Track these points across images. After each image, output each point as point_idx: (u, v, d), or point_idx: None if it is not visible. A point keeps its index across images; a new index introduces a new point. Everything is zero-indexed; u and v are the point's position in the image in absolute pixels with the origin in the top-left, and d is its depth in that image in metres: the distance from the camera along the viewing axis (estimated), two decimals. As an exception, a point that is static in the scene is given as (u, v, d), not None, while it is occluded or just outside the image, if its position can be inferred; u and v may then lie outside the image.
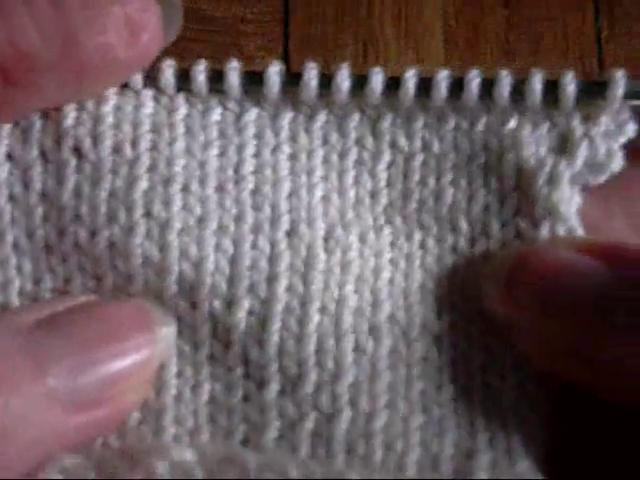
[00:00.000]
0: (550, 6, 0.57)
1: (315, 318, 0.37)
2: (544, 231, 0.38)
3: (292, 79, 0.39)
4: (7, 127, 0.38)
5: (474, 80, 0.38)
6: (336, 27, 0.56)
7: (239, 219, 0.38)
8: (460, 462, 0.35)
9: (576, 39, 0.56)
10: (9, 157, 0.39)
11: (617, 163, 0.37)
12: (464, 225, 0.37)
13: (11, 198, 0.38)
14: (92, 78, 0.37)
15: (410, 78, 0.38)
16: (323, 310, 0.37)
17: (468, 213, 0.37)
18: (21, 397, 0.33)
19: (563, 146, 0.38)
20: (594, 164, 0.38)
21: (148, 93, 0.40)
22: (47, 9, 0.35)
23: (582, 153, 0.38)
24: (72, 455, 0.34)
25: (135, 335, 0.36)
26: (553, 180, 0.38)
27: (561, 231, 0.37)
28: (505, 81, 0.37)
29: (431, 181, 0.38)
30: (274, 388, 0.37)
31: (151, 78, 0.40)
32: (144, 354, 0.36)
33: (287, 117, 0.39)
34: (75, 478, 0.33)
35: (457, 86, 0.38)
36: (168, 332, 0.38)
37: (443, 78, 0.38)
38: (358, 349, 0.37)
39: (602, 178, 0.36)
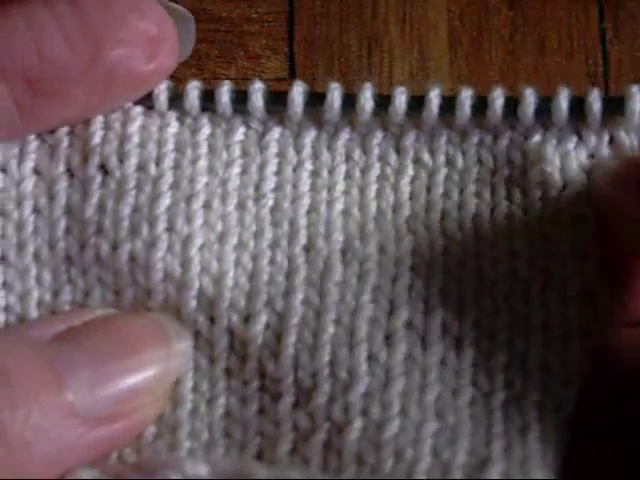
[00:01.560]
0: (555, 7, 0.57)
1: (330, 329, 0.37)
2: None
3: (316, 99, 0.39)
4: (34, 143, 0.39)
5: (498, 99, 0.38)
6: (341, 27, 0.56)
7: (258, 235, 0.38)
8: (472, 471, 0.35)
9: (581, 40, 0.56)
10: (35, 171, 0.39)
11: None
12: (488, 232, 0.38)
13: (35, 210, 0.39)
14: (116, 89, 0.37)
15: (434, 98, 0.38)
16: (338, 321, 0.37)
17: (492, 221, 0.38)
18: (41, 410, 0.33)
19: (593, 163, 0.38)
20: None
21: (173, 114, 0.40)
22: (73, 20, 0.35)
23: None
24: (88, 469, 0.35)
25: (152, 350, 0.36)
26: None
27: None
28: (529, 100, 0.38)
29: (454, 194, 0.38)
30: (288, 401, 0.37)
31: (176, 98, 0.40)
32: (161, 369, 0.36)
33: (310, 135, 0.40)
34: None
35: (481, 105, 0.38)
36: (185, 347, 0.38)
37: (467, 98, 0.38)
38: (372, 358, 0.37)
39: None
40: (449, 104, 0.38)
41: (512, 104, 0.38)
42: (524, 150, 0.38)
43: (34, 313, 0.38)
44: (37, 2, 0.35)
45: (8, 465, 0.32)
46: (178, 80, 0.54)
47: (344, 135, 0.39)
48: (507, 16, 0.57)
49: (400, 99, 0.38)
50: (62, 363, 0.34)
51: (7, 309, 0.38)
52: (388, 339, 0.37)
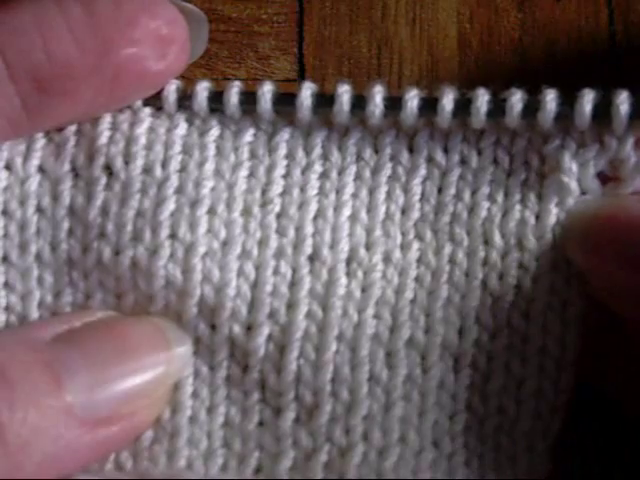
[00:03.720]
0: (564, 10, 0.57)
1: (332, 346, 0.37)
2: None
3: (325, 100, 0.38)
4: (41, 141, 0.39)
5: (517, 104, 0.37)
6: (351, 28, 0.56)
7: (263, 244, 0.38)
8: None
9: (590, 43, 0.56)
10: (40, 170, 0.39)
11: None
12: (497, 238, 0.37)
13: (38, 210, 0.38)
14: (124, 88, 0.37)
15: (448, 103, 0.37)
16: (341, 337, 0.37)
17: (502, 227, 0.37)
18: (39, 411, 0.33)
19: (613, 172, 0.37)
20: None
21: (181, 115, 0.40)
22: (82, 18, 0.35)
23: (633, 183, 0.37)
24: (85, 475, 0.34)
25: (152, 353, 0.36)
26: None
27: None
28: (550, 105, 0.37)
29: (466, 195, 0.37)
30: (290, 416, 0.37)
31: (185, 99, 0.40)
32: (159, 372, 0.36)
33: (320, 135, 0.39)
34: None
35: (499, 107, 0.37)
36: (185, 350, 0.38)
37: (483, 102, 0.37)
38: (373, 379, 0.37)
39: None
40: (465, 106, 0.37)
41: (531, 107, 0.37)
42: (543, 154, 0.37)
43: (35, 314, 0.38)
44: (47, 0, 0.35)
45: (6, 465, 0.32)
46: (187, 80, 0.54)
47: (355, 134, 0.39)
48: (517, 18, 0.57)
49: (412, 104, 0.37)
50: (61, 365, 0.34)
51: (8, 309, 0.38)
52: (389, 357, 0.36)
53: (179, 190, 0.38)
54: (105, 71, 0.36)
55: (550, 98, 0.37)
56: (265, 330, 0.37)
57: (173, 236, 0.38)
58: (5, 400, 0.32)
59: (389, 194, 0.39)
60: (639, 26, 0.56)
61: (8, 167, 0.38)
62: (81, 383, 0.34)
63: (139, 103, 0.39)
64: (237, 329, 0.37)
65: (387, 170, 0.39)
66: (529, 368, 0.36)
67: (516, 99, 0.37)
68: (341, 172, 0.39)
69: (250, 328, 0.37)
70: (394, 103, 0.38)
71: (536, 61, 0.56)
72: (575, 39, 0.56)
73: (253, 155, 0.39)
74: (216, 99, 0.39)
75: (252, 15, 0.57)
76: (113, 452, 0.37)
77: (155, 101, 0.40)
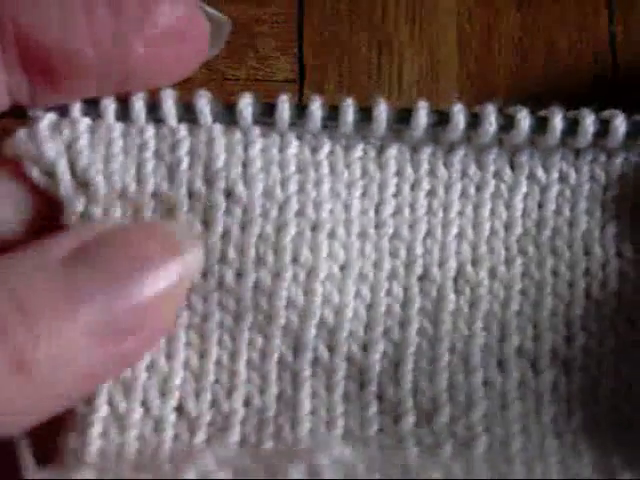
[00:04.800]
0: (564, 9, 0.57)
1: (445, 357, 0.38)
2: None
3: (440, 118, 0.39)
4: (151, 164, 0.39)
5: (620, 127, 0.38)
6: (350, 29, 0.56)
7: (377, 266, 0.39)
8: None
9: (590, 43, 0.56)
10: (154, 195, 0.39)
11: None
12: (597, 249, 0.38)
13: None
14: (134, 86, 0.38)
15: (558, 123, 0.38)
16: (453, 349, 0.37)
17: (601, 238, 0.38)
18: (55, 332, 0.33)
19: None
20: None
21: (292, 133, 0.40)
22: (106, 19, 0.35)
23: None
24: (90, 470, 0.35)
25: (165, 262, 0.36)
26: None
27: None
28: None
29: (566, 210, 0.39)
30: (410, 420, 0.37)
31: (297, 117, 0.40)
32: (173, 278, 0.36)
33: (427, 151, 0.40)
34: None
35: (604, 129, 0.39)
36: (196, 254, 0.38)
37: (590, 124, 0.38)
38: (488, 384, 0.37)
39: None
40: (571, 128, 0.38)
41: (634, 129, 0.38)
42: (638, 169, 0.38)
43: None
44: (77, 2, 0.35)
45: (33, 398, 0.32)
46: (187, 80, 0.54)
47: (460, 151, 0.39)
48: (516, 19, 0.57)
49: (524, 124, 0.38)
50: (75, 283, 0.34)
51: None
52: (500, 365, 0.37)
53: (300, 213, 0.39)
54: (119, 69, 0.37)
55: None
56: (380, 347, 0.38)
57: (295, 260, 0.38)
58: (21, 325, 0.32)
59: (493, 211, 0.40)
60: (639, 26, 0.56)
61: (122, 194, 0.39)
62: (96, 300, 0.34)
63: (249, 122, 0.39)
64: (354, 348, 0.39)
65: (491, 187, 0.40)
66: (637, 370, 0.38)
67: (619, 121, 0.38)
68: (448, 189, 0.40)
69: (366, 347, 0.39)
70: (508, 123, 0.39)
71: (536, 61, 0.56)
72: (575, 39, 0.56)
73: (364, 172, 0.40)
74: (331, 117, 0.40)
75: (252, 15, 0.57)
76: (132, 364, 0.38)
77: (263, 118, 0.40)
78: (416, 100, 0.41)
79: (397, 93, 0.54)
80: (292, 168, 0.39)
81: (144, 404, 0.37)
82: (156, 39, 0.37)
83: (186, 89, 0.52)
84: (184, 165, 0.39)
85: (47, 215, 0.39)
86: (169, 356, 0.38)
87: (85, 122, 0.39)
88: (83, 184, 0.38)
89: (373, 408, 0.38)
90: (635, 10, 0.56)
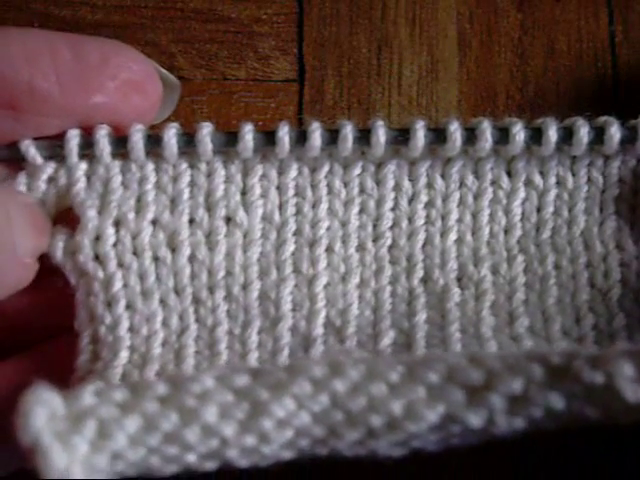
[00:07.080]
0: (564, 10, 0.57)
1: (457, 335, 0.39)
2: None
3: (437, 136, 0.39)
4: (152, 193, 0.40)
5: (616, 134, 0.39)
6: (350, 29, 0.56)
7: (378, 273, 0.40)
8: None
9: (590, 43, 0.56)
10: (154, 223, 0.40)
11: None
12: (597, 244, 0.39)
13: (156, 259, 0.39)
14: (91, 127, 0.39)
15: (552, 134, 0.39)
16: (463, 330, 0.39)
17: (601, 234, 0.39)
18: None
19: None
20: None
21: (292, 156, 0.41)
22: (70, 63, 0.37)
23: None
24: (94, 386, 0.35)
25: None
26: None
27: None
28: None
29: (564, 212, 0.40)
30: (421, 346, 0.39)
31: (297, 142, 0.40)
32: None
33: (425, 165, 0.40)
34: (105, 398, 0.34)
35: (600, 136, 0.39)
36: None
37: (584, 133, 0.39)
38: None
39: None
40: (566, 136, 0.39)
41: (630, 135, 0.39)
42: (636, 171, 0.39)
43: (157, 350, 0.39)
44: (38, 37, 0.37)
45: None
46: (186, 80, 0.54)
47: (457, 163, 0.40)
48: (516, 19, 0.57)
49: (519, 137, 0.39)
50: None
51: (132, 348, 0.39)
52: (514, 340, 0.38)
53: (297, 232, 0.40)
54: (78, 112, 0.38)
55: None
56: (391, 334, 0.39)
57: (296, 271, 0.38)
58: None
59: (492, 216, 0.41)
60: (639, 26, 0.56)
61: (118, 222, 0.40)
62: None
63: (250, 153, 0.39)
64: (364, 339, 0.40)
65: (489, 194, 0.41)
66: None
67: (614, 129, 0.39)
68: (445, 199, 0.41)
69: (376, 337, 0.40)
70: (504, 136, 0.40)
71: (536, 61, 0.56)
72: (575, 39, 0.56)
73: (362, 189, 0.41)
74: (331, 139, 0.40)
75: (252, 15, 0.57)
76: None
77: (263, 142, 0.40)
78: (416, 100, 0.41)
79: (397, 93, 0.54)
80: (291, 192, 0.40)
81: None
82: (115, 88, 0.39)
83: (186, 89, 0.52)
84: (185, 195, 0.40)
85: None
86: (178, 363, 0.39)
87: (82, 168, 0.40)
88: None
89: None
90: (634, 10, 0.56)
